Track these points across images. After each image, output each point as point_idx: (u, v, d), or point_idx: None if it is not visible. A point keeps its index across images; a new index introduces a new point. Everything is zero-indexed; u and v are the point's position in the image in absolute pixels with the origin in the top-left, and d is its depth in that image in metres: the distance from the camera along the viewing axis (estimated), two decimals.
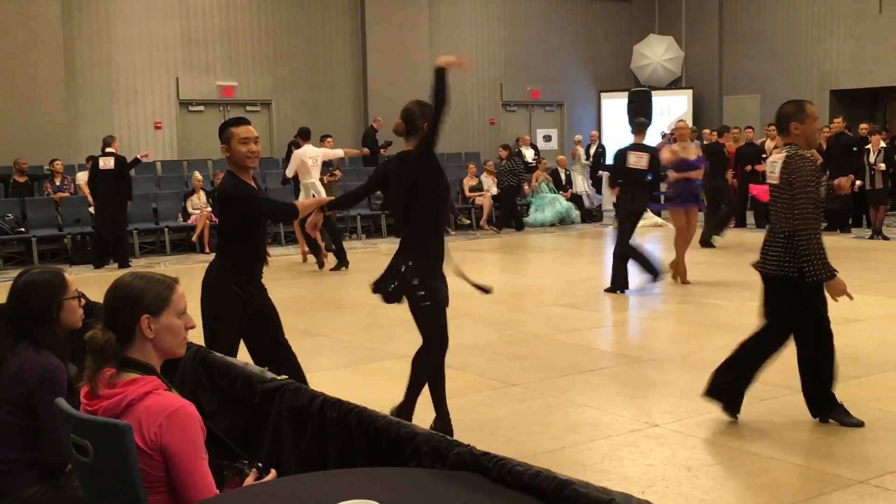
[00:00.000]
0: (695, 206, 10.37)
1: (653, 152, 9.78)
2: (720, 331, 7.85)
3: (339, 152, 13.26)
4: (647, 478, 4.49)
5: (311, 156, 12.29)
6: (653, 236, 15.42)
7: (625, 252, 9.68)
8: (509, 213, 16.88)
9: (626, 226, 9.65)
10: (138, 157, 13.42)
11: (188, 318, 2.63)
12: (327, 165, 13.36)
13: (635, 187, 9.63)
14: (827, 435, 5.09)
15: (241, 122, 4.87)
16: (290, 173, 12.77)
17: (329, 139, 13.87)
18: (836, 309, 8.60)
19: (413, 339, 7.63)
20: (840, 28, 19.58)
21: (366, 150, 15.75)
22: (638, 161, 9.59)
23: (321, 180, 12.48)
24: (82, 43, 16.16)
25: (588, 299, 9.54)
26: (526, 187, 17.43)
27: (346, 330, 8.16)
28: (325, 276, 11.57)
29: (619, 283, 9.72)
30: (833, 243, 12.02)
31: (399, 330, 8.11)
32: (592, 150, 19.10)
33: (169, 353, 2.59)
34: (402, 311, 8.77)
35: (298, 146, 12.67)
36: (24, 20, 15.17)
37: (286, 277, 11.41)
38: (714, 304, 9.06)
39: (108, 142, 12.80)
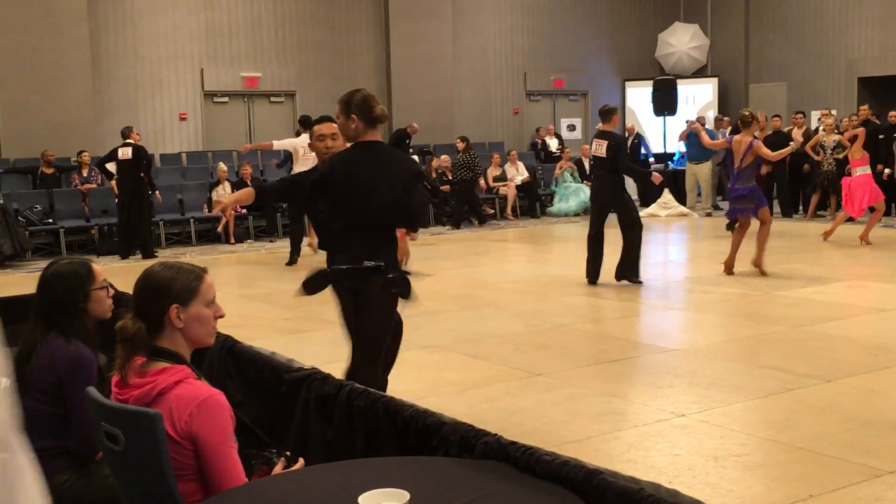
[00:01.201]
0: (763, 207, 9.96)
1: (612, 139, 9.50)
2: (747, 321, 7.80)
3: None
4: (674, 468, 4.47)
5: (302, 145, 12.18)
6: (679, 225, 15.35)
7: (638, 242, 9.58)
8: (468, 209, 16.24)
9: (631, 217, 9.57)
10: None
11: (217, 308, 2.64)
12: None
13: (603, 175, 9.57)
14: (856, 425, 5.05)
15: (322, 119, 5.20)
16: (277, 147, 12.93)
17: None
18: (863, 298, 8.57)
19: (439, 329, 7.67)
20: (868, 15, 19.35)
21: None
22: (597, 149, 9.50)
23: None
24: (108, 35, 16.26)
25: (611, 289, 9.50)
26: (482, 182, 16.74)
27: None
28: None
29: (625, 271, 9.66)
30: (856, 232, 11.93)
31: (422, 320, 8.12)
32: (630, 142, 18.83)
33: (198, 342, 2.61)
34: (426, 300, 8.77)
35: (298, 134, 12.61)
36: (50, 13, 15.28)
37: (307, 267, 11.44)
38: (740, 293, 9.01)
39: (125, 133, 12.88)
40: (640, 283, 9.59)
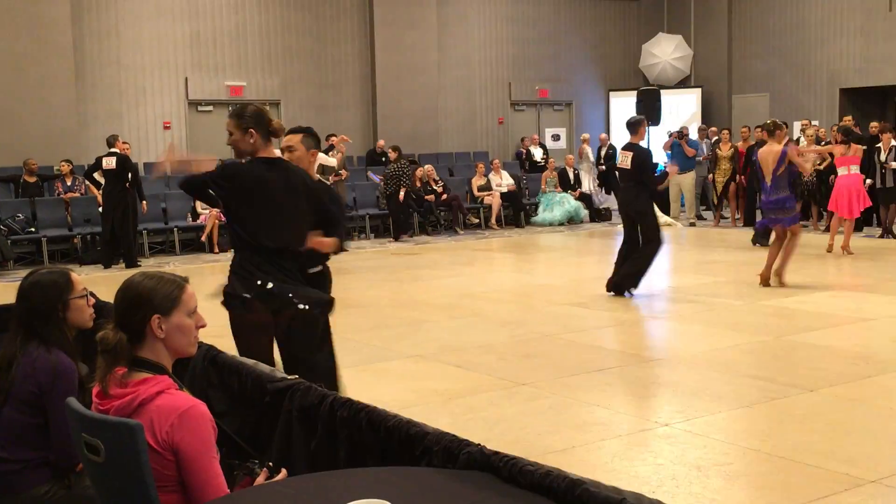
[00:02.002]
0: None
1: (637, 151, 9.39)
2: (730, 330, 7.83)
3: (332, 161, 13.15)
4: (658, 477, 4.48)
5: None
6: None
7: (653, 257, 9.42)
8: (402, 221, 15.70)
9: (652, 228, 9.43)
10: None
11: (199, 318, 2.63)
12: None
13: (630, 187, 9.44)
14: (838, 435, 5.08)
15: (292, 130, 4.97)
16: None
17: (333, 138, 13.89)
18: (846, 308, 8.62)
19: (423, 339, 7.67)
20: (850, 26, 19.51)
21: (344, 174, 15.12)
22: (623, 160, 9.43)
23: (326, 180, 12.46)
24: (92, 43, 16.21)
25: (596, 299, 9.52)
26: (401, 193, 15.50)
27: (355, 329, 8.16)
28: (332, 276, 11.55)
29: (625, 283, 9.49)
30: (855, 244, 12.00)
31: (408, 329, 8.12)
32: (603, 153, 19.00)
33: (180, 352, 2.60)
34: (410, 311, 8.80)
35: None
36: (34, 21, 15.22)
37: None
38: (724, 303, 9.04)
39: (111, 141, 12.85)
40: (631, 295, 9.46)
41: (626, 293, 9.44)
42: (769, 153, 9.71)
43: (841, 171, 12.53)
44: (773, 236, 10.33)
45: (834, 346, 7.13)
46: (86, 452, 2.44)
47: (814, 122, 16.80)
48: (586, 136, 19.34)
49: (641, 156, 9.37)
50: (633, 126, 9.60)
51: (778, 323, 8.06)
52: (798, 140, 16.20)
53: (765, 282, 9.71)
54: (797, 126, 17.85)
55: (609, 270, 9.75)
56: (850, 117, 15.69)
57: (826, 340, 7.31)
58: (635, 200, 9.41)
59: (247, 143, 4.36)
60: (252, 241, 4.38)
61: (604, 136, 19.58)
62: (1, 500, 3.17)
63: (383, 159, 17.68)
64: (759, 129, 15.97)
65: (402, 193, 15.41)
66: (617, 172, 9.98)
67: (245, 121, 4.36)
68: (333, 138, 14.95)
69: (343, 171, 14.21)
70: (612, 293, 9.48)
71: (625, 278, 9.48)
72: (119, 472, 2.39)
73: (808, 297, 9.20)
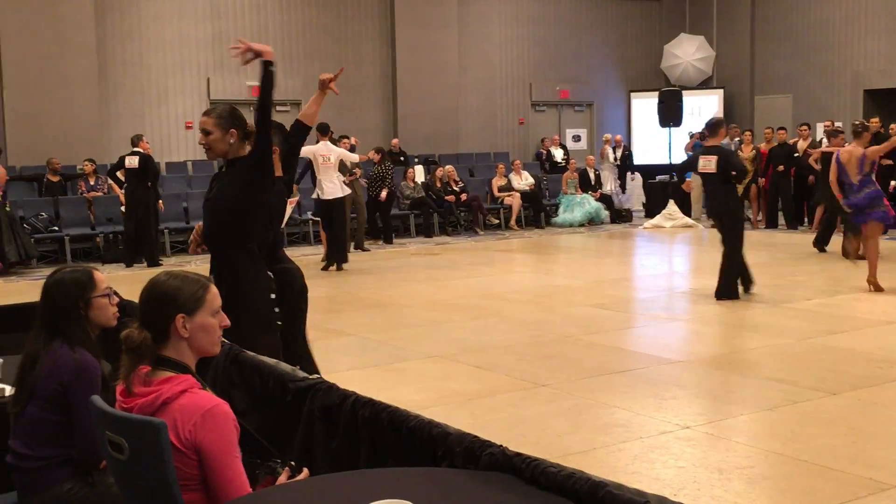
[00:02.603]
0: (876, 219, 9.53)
1: (720, 154, 9.17)
2: (752, 332, 7.79)
3: (355, 157, 13.14)
4: (679, 480, 4.46)
5: (322, 153, 12.07)
6: (684, 237, 15.35)
7: (734, 259, 9.22)
8: (378, 225, 15.27)
9: (732, 231, 9.24)
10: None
11: (222, 317, 2.64)
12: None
13: (716, 189, 9.22)
14: (861, 438, 5.04)
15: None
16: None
17: (346, 140, 13.88)
18: (869, 311, 8.55)
19: (443, 339, 7.67)
20: (874, 27, 19.35)
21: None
22: (706, 165, 9.17)
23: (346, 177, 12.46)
24: (115, 43, 16.31)
25: (617, 300, 9.49)
26: (384, 193, 15.01)
27: (375, 329, 8.17)
28: (351, 276, 11.60)
29: (729, 290, 9.23)
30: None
31: (427, 329, 8.12)
32: (619, 154, 18.98)
33: (203, 351, 2.61)
34: (431, 310, 8.80)
35: (317, 142, 12.54)
36: (58, 21, 15.34)
37: (314, 276, 11.46)
38: (746, 305, 8.98)
39: (135, 141, 12.93)
40: (733, 298, 9.15)
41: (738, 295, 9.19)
42: (853, 154, 9.56)
43: None
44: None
45: (857, 349, 7.08)
46: (110, 450, 2.46)
47: (837, 124, 16.67)
48: (608, 136, 19.30)
49: (726, 156, 9.24)
50: (713, 127, 9.49)
51: (800, 325, 8.00)
52: (821, 142, 16.09)
53: (877, 286, 9.40)
54: (820, 127, 17.73)
55: (629, 272, 9.71)
56: (877, 119, 15.53)
57: (849, 343, 7.26)
58: (724, 201, 9.20)
59: (226, 143, 4.22)
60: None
61: (618, 137, 19.50)
62: (25, 496, 3.20)
63: (401, 159, 17.71)
64: (780, 130, 15.90)
65: (384, 193, 15.01)
66: (700, 177, 9.69)
67: (226, 120, 4.21)
68: (346, 140, 14.94)
69: (357, 170, 14.21)
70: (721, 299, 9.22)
71: (726, 288, 9.23)
72: (142, 471, 2.40)
73: (830, 299, 9.13)
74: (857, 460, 4.68)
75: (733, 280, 9.27)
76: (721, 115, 20.46)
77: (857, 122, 10.05)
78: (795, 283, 10.15)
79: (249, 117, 4.45)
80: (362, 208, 14.18)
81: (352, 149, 13.47)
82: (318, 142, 12.35)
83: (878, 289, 9.40)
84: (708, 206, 9.64)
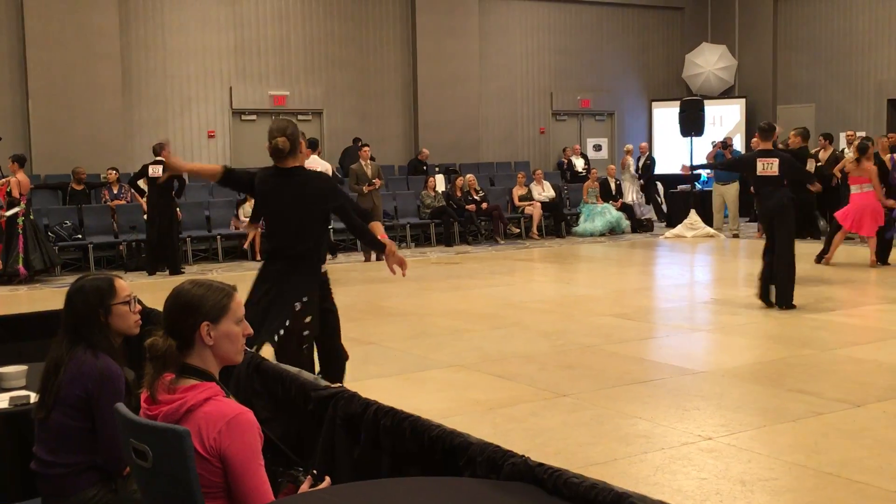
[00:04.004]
0: None
1: (782, 157, 9.19)
2: (775, 343, 7.73)
3: (328, 166, 13.02)
4: (702, 492, 4.43)
5: (309, 167, 12.06)
6: (705, 246, 15.27)
7: (793, 263, 9.12)
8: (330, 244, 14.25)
9: (789, 234, 9.11)
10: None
11: (245, 326, 2.65)
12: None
13: (773, 191, 9.12)
14: (887, 451, 4.98)
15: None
16: None
17: (366, 148, 13.87)
18: (893, 322, 8.47)
19: (464, 348, 7.66)
20: None
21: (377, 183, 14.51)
22: (767, 167, 9.13)
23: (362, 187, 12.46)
24: (138, 53, 16.45)
25: (638, 310, 9.45)
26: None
27: (396, 338, 8.18)
28: (373, 284, 11.61)
29: (785, 296, 9.13)
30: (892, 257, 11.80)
31: (449, 338, 8.12)
32: (641, 162, 18.94)
33: (227, 360, 2.62)
34: (452, 319, 8.79)
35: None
36: (82, 31, 15.50)
37: (336, 285, 11.46)
38: (769, 315, 8.92)
39: (157, 150, 13.01)
40: (792, 307, 9.07)
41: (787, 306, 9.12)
42: None
43: (854, 188, 12.25)
44: None
45: (881, 360, 7.01)
46: (133, 458, 2.47)
47: (859, 133, 16.54)
48: (629, 146, 19.23)
49: (789, 161, 9.25)
50: (768, 132, 9.45)
51: (823, 336, 7.94)
52: (843, 151, 15.97)
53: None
54: (843, 137, 17.62)
55: (651, 282, 9.67)
56: None
57: (873, 355, 7.19)
58: (781, 203, 9.05)
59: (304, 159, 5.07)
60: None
61: (644, 144, 19.45)
62: (49, 503, 3.21)
63: (424, 168, 17.74)
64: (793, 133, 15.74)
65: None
66: (755, 181, 9.62)
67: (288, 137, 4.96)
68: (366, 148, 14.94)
69: (377, 181, 14.21)
70: (774, 306, 9.17)
71: (782, 297, 9.13)
72: (166, 478, 2.42)
73: (854, 310, 9.06)
74: (883, 473, 4.63)
75: (793, 285, 9.12)
76: (742, 124, 20.40)
77: None
78: (818, 293, 10.06)
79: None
80: (380, 218, 14.20)
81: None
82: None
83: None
84: (762, 207, 9.56)
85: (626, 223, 17.49)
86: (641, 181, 18.75)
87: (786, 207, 9.02)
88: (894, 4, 19.26)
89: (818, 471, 4.68)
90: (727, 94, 21.81)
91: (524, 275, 12.93)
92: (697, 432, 5.34)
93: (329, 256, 12.25)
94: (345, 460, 3.08)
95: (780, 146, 11.69)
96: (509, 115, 20.35)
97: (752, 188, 10.79)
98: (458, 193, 16.41)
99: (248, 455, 2.42)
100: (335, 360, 5.19)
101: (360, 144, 15.70)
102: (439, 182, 17.00)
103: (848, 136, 16.16)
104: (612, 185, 17.96)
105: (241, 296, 2.70)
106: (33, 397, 3.50)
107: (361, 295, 10.84)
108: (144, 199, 13.59)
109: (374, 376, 6.71)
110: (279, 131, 5.00)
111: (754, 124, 20.80)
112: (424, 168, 17.70)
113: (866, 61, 19.76)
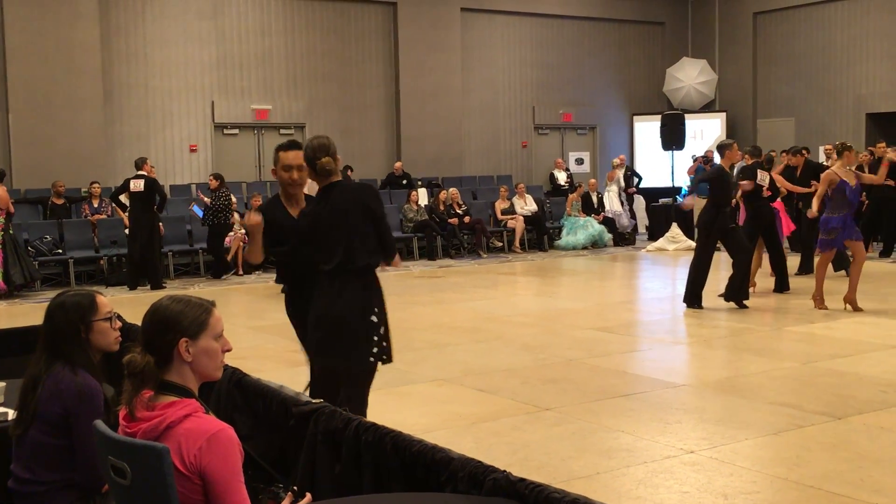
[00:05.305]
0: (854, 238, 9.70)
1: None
2: (756, 356, 7.76)
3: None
4: None
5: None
6: (687, 259, 15.32)
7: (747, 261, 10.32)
8: (219, 261, 13.97)
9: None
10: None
11: (225, 341, 2.64)
12: None
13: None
14: (867, 464, 5.00)
15: (291, 146, 4.84)
16: None
17: (350, 171, 13.89)
18: (873, 335, 8.52)
19: (447, 362, 7.66)
20: (876, 50, 19.42)
21: None
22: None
23: None
24: (120, 67, 16.40)
25: (621, 323, 9.47)
26: (234, 219, 14.06)
27: None
28: None
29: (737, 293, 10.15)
30: (874, 268, 11.88)
31: (430, 353, 8.11)
32: (622, 175, 18.99)
33: (206, 376, 2.61)
34: (434, 333, 8.78)
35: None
36: (64, 44, 15.45)
37: None
38: (750, 328, 8.97)
39: (139, 164, 12.95)
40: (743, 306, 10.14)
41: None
42: None
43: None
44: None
45: (862, 373, 7.05)
46: (112, 475, 2.45)
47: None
48: (618, 159, 19.11)
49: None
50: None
51: (804, 349, 7.98)
52: (821, 165, 16.04)
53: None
54: (822, 151, 17.74)
55: (633, 295, 9.71)
56: (883, 143, 15.44)
57: (854, 367, 7.23)
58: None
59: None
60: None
61: (622, 157, 19.47)
62: None
63: (403, 182, 17.76)
64: (784, 154, 15.85)
65: (234, 214, 14.14)
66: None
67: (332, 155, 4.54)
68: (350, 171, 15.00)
69: None
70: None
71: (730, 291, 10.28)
72: (145, 496, 2.39)
73: (834, 322, 9.11)
74: (863, 486, 4.65)
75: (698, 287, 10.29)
76: (723, 138, 20.51)
77: None
78: (799, 306, 10.12)
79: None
80: None
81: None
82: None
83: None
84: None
85: (608, 236, 17.55)
86: (626, 192, 18.78)
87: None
88: (872, 20, 19.46)
89: (800, 484, 4.69)
90: (708, 108, 21.95)
91: (507, 288, 12.94)
92: (680, 445, 5.35)
93: None
94: (326, 476, 3.07)
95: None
96: (491, 128, 20.41)
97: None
98: (441, 207, 16.43)
99: (229, 472, 2.41)
100: None
101: (349, 172, 15.80)
102: (422, 196, 17.02)
103: (826, 149, 16.27)
104: (595, 199, 18.02)
105: (221, 311, 2.68)
106: (11, 414, 3.47)
107: None
108: (126, 214, 13.53)
109: None
110: (321, 150, 4.52)
111: (735, 139, 20.94)
112: (404, 182, 17.72)
113: (845, 76, 19.95)
